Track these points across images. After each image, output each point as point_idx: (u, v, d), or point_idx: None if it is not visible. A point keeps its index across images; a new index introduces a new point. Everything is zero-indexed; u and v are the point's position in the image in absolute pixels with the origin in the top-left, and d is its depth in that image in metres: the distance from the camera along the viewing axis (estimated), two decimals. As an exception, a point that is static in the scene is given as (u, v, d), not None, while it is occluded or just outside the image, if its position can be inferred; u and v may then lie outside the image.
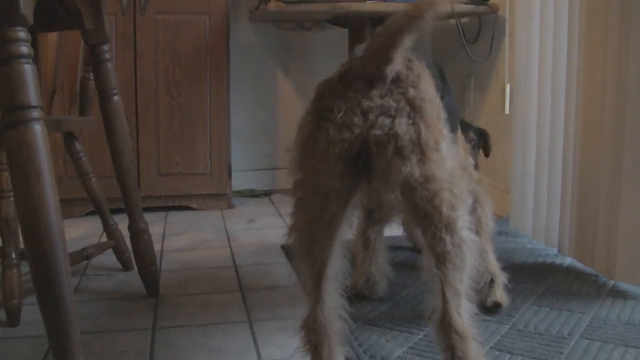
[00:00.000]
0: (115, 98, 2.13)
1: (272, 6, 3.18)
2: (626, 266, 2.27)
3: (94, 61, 2.09)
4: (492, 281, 2.08)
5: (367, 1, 3.14)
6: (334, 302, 1.51)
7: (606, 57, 2.29)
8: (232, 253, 2.84)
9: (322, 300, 1.49)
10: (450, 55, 4.13)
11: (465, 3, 3.41)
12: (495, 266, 2.10)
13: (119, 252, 2.57)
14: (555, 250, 2.73)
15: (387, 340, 1.88)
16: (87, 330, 2.01)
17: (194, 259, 2.76)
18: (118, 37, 3.53)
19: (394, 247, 2.84)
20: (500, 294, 2.08)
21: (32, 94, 1.36)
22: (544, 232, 2.80)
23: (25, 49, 1.36)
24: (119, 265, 2.61)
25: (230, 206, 3.81)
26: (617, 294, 2.24)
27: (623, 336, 1.89)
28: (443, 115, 1.46)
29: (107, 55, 2.09)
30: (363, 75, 1.39)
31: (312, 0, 3.07)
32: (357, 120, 1.35)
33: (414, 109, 1.38)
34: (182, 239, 3.11)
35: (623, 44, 2.21)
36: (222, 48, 3.67)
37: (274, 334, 1.96)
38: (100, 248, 2.42)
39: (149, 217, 2.98)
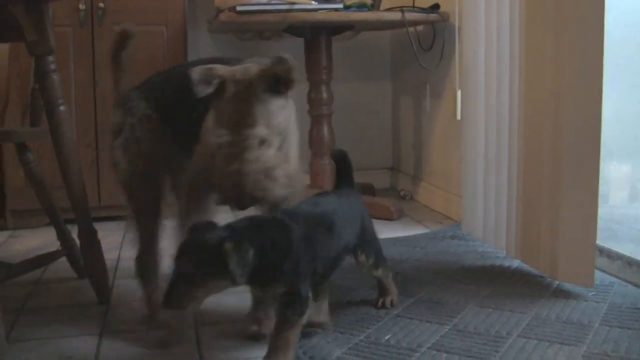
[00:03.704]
0: (61, 108, 2.15)
1: (224, 17, 3.21)
2: (568, 267, 2.32)
3: (38, 73, 2.10)
4: None
5: (319, 11, 3.18)
6: (158, 249, 2.17)
7: (544, 63, 2.35)
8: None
9: (152, 246, 2.16)
10: (407, 62, 4.19)
11: (418, 12, 3.47)
12: None
13: (72, 260, 2.59)
14: (504, 253, 2.78)
15: (328, 342, 1.92)
16: (35, 337, 2.04)
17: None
18: (76, 48, 3.54)
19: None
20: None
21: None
22: (494, 236, 2.85)
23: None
24: (74, 274, 2.63)
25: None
26: (560, 294, 2.29)
27: (560, 334, 1.94)
28: None
29: (52, 67, 2.10)
30: None
31: (263, 11, 3.10)
32: None
33: None
34: (140, 247, 3.12)
35: (559, 50, 2.27)
36: (180, 58, 3.68)
37: (219, 340, 2.01)
38: (52, 257, 2.44)
39: (109, 225, 2.96)
